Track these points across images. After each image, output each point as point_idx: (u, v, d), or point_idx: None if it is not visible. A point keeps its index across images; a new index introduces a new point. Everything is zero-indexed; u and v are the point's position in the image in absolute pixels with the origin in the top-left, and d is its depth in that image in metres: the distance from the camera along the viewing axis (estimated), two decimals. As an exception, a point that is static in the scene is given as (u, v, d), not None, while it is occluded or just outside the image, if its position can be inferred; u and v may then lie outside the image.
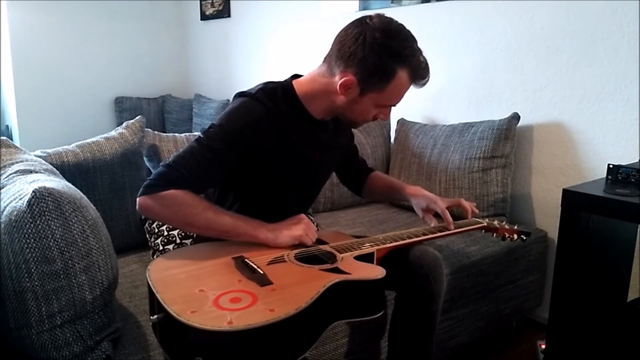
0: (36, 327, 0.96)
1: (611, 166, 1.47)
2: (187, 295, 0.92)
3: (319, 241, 1.19)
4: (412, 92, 1.20)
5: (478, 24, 2.10)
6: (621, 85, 1.72)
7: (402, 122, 2.30)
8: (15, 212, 0.96)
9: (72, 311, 0.98)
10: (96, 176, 1.58)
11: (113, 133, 1.69)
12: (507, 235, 1.40)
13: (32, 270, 0.94)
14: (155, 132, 1.84)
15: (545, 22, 1.89)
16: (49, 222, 0.95)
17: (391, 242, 1.20)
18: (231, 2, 3.50)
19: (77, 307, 0.99)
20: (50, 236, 0.95)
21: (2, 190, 1.08)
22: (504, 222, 1.46)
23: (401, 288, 1.21)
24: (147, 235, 1.67)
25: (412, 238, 1.24)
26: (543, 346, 1.72)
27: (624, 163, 1.51)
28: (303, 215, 1.20)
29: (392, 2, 2.40)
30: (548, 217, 1.98)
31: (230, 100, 3.89)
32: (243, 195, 1.26)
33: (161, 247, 1.59)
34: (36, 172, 1.19)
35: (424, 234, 1.27)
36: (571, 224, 1.37)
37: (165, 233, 1.61)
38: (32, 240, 0.94)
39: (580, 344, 1.49)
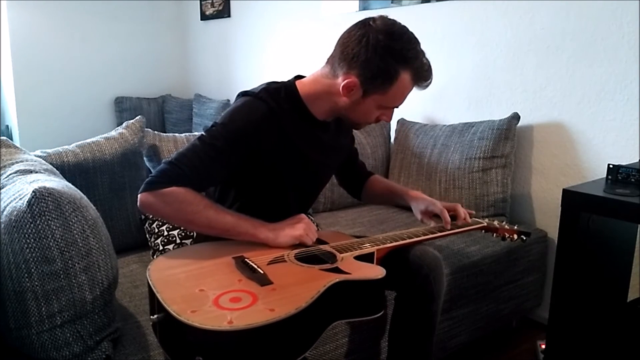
0: (36, 327, 0.96)
1: (611, 166, 1.47)
2: (188, 294, 0.92)
3: (319, 241, 1.19)
4: (412, 92, 1.20)
5: (478, 24, 2.10)
6: (621, 85, 1.72)
7: (402, 122, 2.30)
8: (15, 212, 0.96)
9: (72, 311, 0.98)
10: (96, 176, 1.58)
11: (113, 133, 1.69)
12: (507, 235, 1.40)
13: (32, 270, 0.94)
14: (155, 132, 1.84)
15: (545, 22, 1.89)
16: (49, 222, 0.95)
17: (391, 242, 1.20)
18: (231, 2, 3.50)
19: (77, 307, 0.99)
20: (50, 236, 0.95)
21: (2, 190, 1.08)
22: (504, 222, 1.46)
23: (401, 288, 1.21)
24: (147, 235, 1.67)
25: (412, 238, 1.24)
26: (543, 346, 1.72)
27: (624, 163, 1.51)
28: (303, 215, 1.20)
29: (392, 2, 2.40)
30: (548, 217, 1.98)
31: (230, 100, 3.87)
32: (244, 194, 1.26)
33: (161, 247, 1.59)
34: (36, 172, 1.19)
35: (424, 234, 1.27)
36: (571, 224, 1.37)
37: (165, 233, 1.61)
38: (32, 240, 0.94)
39: (580, 344, 1.50)
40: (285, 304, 0.88)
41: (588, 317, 1.51)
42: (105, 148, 1.61)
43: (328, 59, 1.18)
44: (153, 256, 1.61)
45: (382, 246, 1.18)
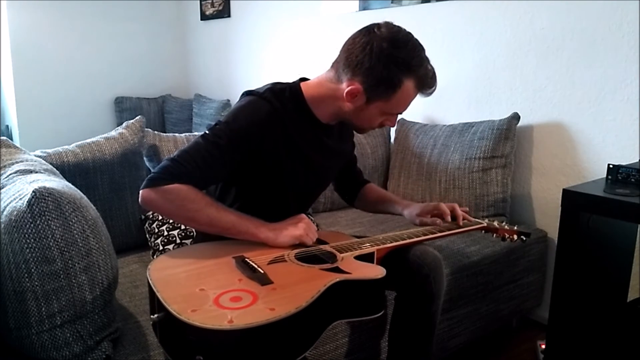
0: (36, 327, 0.96)
1: (611, 166, 1.47)
2: (188, 294, 0.92)
3: (319, 241, 1.19)
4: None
5: (478, 24, 2.10)
6: (621, 85, 1.72)
7: (402, 122, 2.30)
8: (15, 212, 0.96)
9: (72, 311, 0.98)
10: (96, 176, 1.58)
11: (113, 133, 1.69)
12: (507, 235, 1.40)
13: (32, 270, 0.94)
14: (155, 132, 1.84)
15: (545, 22, 1.89)
16: (49, 222, 0.95)
17: (391, 242, 1.20)
18: (231, 2, 3.50)
19: (77, 307, 0.99)
20: (50, 236, 0.95)
21: (2, 190, 1.08)
22: (503, 223, 1.46)
23: (401, 288, 1.21)
24: (147, 235, 1.67)
25: (412, 238, 1.24)
26: (543, 346, 1.72)
27: (624, 163, 1.51)
28: (303, 215, 1.20)
29: (392, 2, 2.40)
30: (548, 217, 1.98)
31: (230, 100, 3.86)
32: (245, 193, 1.26)
33: (161, 247, 1.59)
34: (36, 172, 1.19)
35: (424, 234, 1.27)
36: (571, 223, 1.37)
37: (165, 233, 1.61)
38: (32, 240, 0.94)
39: (580, 344, 1.50)
40: (286, 303, 0.88)
41: (588, 317, 1.51)
42: (105, 148, 1.61)
43: (333, 64, 1.19)
44: (153, 256, 1.61)
45: (382, 246, 1.18)
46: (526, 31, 1.95)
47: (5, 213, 0.98)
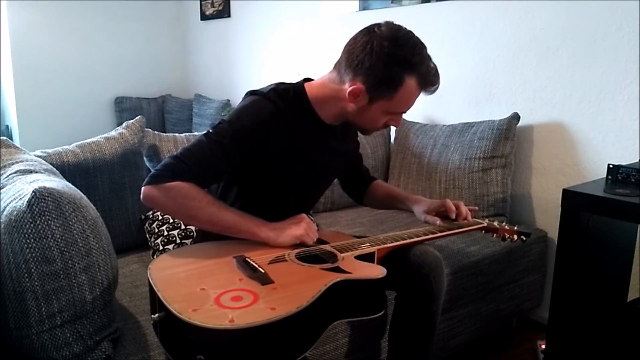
0: (36, 327, 0.96)
1: (611, 166, 1.47)
2: (189, 293, 0.92)
3: (320, 241, 1.19)
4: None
5: (478, 24, 2.10)
6: (621, 86, 1.72)
7: (402, 122, 2.30)
8: (15, 212, 0.95)
9: (72, 311, 0.98)
10: (96, 176, 1.58)
11: (113, 133, 1.68)
12: (507, 235, 1.40)
13: (32, 270, 0.94)
14: (155, 132, 1.84)
15: (545, 22, 1.89)
16: (49, 222, 0.95)
17: (392, 242, 1.20)
18: (231, 2, 3.50)
19: (77, 307, 0.99)
20: (50, 236, 0.95)
21: (2, 190, 1.08)
22: (504, 223, 1.46)
23: (402, 288, 1.21)
24: (147, 235, 1.67)
25: (412, 238, 1.24)
26: (543, 346, 1.72)
27: (624, 163, 1.51)
28: (304, 215, 1.20)
29: (392, 2, 2.41)
30: (548, 217, 1.98)
31: (230, 100, 3.86)
32: (246, 192, 1.26)
33: (161, 247, 1.59)
34: (36, 172, 1.19)
35: (425, 234, 1.27)
36: (571, 224, 1.37)
37: (165, 233, 1.61)
38: (32, 240, 0.94)
39: (580, 344, 1.50)
40: (286, 303, 0.88)
41: (588, 317, 1.51)
42: (105, 148, 1.61)
43: (335, 65, 1.19)
44: (153, 256, 1.61)
45: (382, 246, 1.18)
46: (526, 31, 1.95)
47: (5, 213, 0.98)
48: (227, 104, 3.46)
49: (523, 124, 1.99)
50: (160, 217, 1.66)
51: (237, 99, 3.34)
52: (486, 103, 2.12)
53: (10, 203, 0.99)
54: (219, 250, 1.11)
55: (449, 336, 1.64)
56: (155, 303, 0.94)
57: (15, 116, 3.47)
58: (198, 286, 0.94)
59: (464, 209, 1.35)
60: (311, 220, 1.31)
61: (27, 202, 0.95)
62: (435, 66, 1.15)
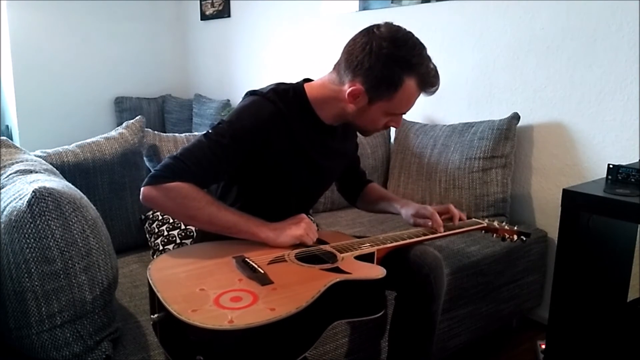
0: (36, 327, 0.96)
1: (611, 166, 1.47)
2: (188, 294, 0.92)
3: (320, 241, 1.19)
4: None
5: (478, 24, 2.10)
6: (621, 86, 1.72)
7: (402, 122, 2.30)
8: (15, 212, 0.95)
9: (72, 311, 0.98)
10: (96, 176, 1.58)
11: (113, 133, 1.68)
12: (507, 235, 1.40)
13: (32, 270, 0.94)
14: (155, 132, 1.84)
15: (545, 22, 1.89)
16: (49, 222, 0.95)
17: (392, 242, 1.20)
18: (231, 2, 3.50)
19: (77, 307, 0.99)
20: (50, 236, 0.95)
21: (2, 190, 1.08)
22: (503, 223, 1.46)
23: (401, 288, 1.21)
24: (147, 235, 1.67)
25: (412, 238, 1.24)
26: (543, 346, 1.72)
27: (624, 163, 1.51)
28: (304, 215, 1.20)
29: (392, 2, 2.41)
30: (548, 217, 1.98)
31: (230, 100, 3.85)
32: (246, 193, 1.26)
33: (161, 247, 1.59)
34: (36, 172, 1.19)
35: (424, 234, 1.27)
36: (571, 224, 1.37)
37: (165, 233, 1.61)
38: (32, 240, 0.94)
39: (580, 344, 1.49)
40: (286, 303, 0.88)
41: (588, 317, 1.51)
42: (105, 148, 1.61)
43: (335, 66, 1.19)
44: (153, 256, 1.61)
45: (382, 246, 1.18)
46: (526, 31, 1.95)
47: (5, 213, 0.98)
48: (227, 104, 3.46)
49: (523, 124, 1.99)
50: (160, 217, 1.66)
51: (237, 99, 3.34)
52: (486, 103, 2.12)
53: (10, 203, 0.99)
54: (218, 251, 1.11)
55: (449, 336, 1.64)
56: (155, 303, 0.95)
57: (15, 116, 3.47)
58: (197, 287, 0.94)
59: (456, 211, 1.35)
60: (311, 220, 1.31)
61: (27, 202, 0.95)
62: (435, 67, 1.15)
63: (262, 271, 1.00)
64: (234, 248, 1.11)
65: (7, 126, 3.62)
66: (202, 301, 0.89)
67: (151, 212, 1.68)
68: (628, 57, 1.69)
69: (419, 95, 1.16)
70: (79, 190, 1.10)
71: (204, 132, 1.16)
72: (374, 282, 1.03)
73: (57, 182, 1.06)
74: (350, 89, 1.13)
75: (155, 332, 1.01)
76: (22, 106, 3.46)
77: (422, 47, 1.13)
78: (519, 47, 1.98)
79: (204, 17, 3.77)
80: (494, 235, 1.43)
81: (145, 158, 1.77)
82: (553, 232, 1.92)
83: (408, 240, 1.23)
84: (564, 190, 1.37)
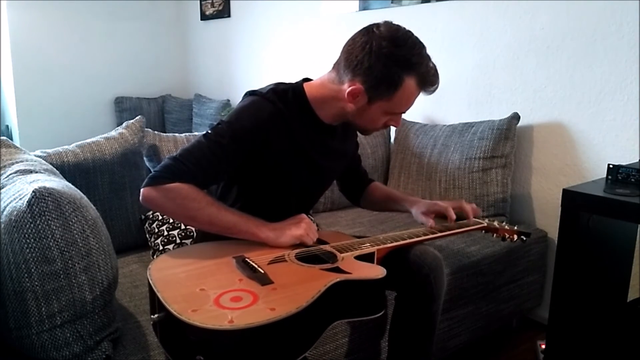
0: (36, 327, 0.96)
1: (611, 166, 1.47)
2: (188, 294, 0.92)
3: (320, 241, 1.19)
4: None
5: (478, 24, 2.10)
6: (621, 86, 1.72)
7: (402, 122, 2.30)
8: (15, 212, 0.95)
9: (72, 311, 0.98)
10: (96, 176, 1.58)
11: (113, 133, 1.68)
12: (507, 235, 1.40)
13: (32, 270, 0.94)
14: (155, 132, 1.84)
15: (545, 22, 1.89)
16: (49, 222, 0.95)
17: (392, 242, 1.20)
18: (231, 2, 3.50)
19: (77, 307, 0.99)
20: (50, 236, 0.95)
21: (2, 190, 1.08)
22: (503, 223, 1.46)
23: (401, 288, 1.21)
24: (147, 235, 1.67)
25: (412, 238, 1.24)
26: (543, 346, 1.72)
27: (624, 163, 1.51)
28: (304, 215, 1.20)
29: (392, 2, 2.41)
30: (548, 217, 1.98)
31: (230, 100, 3.85)
32: (246, 193, 1.26)
33: (161, 247, 1.59)
34: (36, 172, 1.19)
35: (425, 234, 1.27)
36: (571, 224, 1.37)
37: (165, 233, 1.61)
38: (32, 240, 0.94)
39: (580, 344, 1.49)
40: (286, 303, 0.88)
41: (588, 317, 1.51)
42: (105, 148, 1.61)
43: (334, 65, 1.19)
44: (153, 256, 1.61)
45: (382, 246, 1.18)
46: (526, 31, 1.95)
47: (5, 213, 0.98)
48: (227, 104, 3.46)
49: (523, 124, 1.99)
50: (160, 217, 1.66)
51: (237, 99, 3.33)
52: (486, 103, 2.12)
53: (10, 203, 0.99)
54: (218, 251, 1.11)
55: (449, 336, 1.64)
56: (155, 303, 0.95)
57: (15, 116, 3.47)
58: (198, 287, 0.94)
59: (468, 207, 1.36)
60: (311, 220, 1.31)
61: (27, 202, 0.95)
62: (434, 66, 1.15)
63: (262, 271, 1.00)
64: (234, 248, 1.11)
65: (7, 126, 3.62)
66: (202, 301, 0.89)
67: (151, 212, 1.68)
68: (628, 57, 1.69)
69: (418, 94, 1.16)
70: (79, 190, 1.10)
71: (204, 132, 1.16)
72: (374, 282, 1.03)
73: (57, 182, 1.06)
74: (350, 88, 1.13)
75: (156, 332, 1.00)
76: (22, 106, 3.46)
77: (421, 46, 1.13)
78: (519, 47, 1.98)
79: (204, 17, 3.77)
80: (494, 235, 1.43)
81: (145, 158, 1.77)
82: (553, 232, 1.92)
83: (408, 240, 1.23)
84: (564, 190, 1.37)
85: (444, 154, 2.05)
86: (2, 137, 1.37)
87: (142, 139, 1.73)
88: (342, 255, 1.12)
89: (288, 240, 1.14)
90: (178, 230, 1.61)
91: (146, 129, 1.77)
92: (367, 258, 1.14)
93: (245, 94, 1.23)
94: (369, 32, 1.12)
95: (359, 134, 1.37)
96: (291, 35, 3.05)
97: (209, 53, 3.85)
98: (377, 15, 2.45)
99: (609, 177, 1.47)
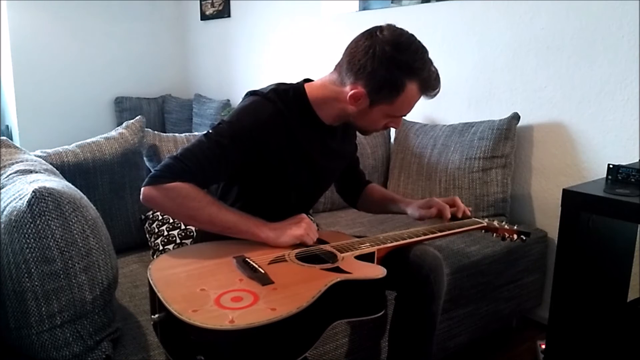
0: (36, 327, 0.96)
1: (611, 166, 1.47)
2: (189, 294, 0.92)
3: (320, 241, 1.19)
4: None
5: (478, 24, 2.10)
6: (621, 85, 1.72)
7: (402, 122, 2.30)
8: (15, 212, 0.95)
9: (72, 311, 0.98)
10: (96, 176, 1.58)
11: (113, 133, 1.68)
12: (507, 235, 1.40)
13: (32, 270, 0.94)
14: (155, 132, 1.84)
15: (545, 22, 1.89)
16: (49, 222, 0.95)
17: (392, 242, 1.20)
18: (231, 2, 3.50)
19: (77, 307, 0.99)
20: (50, 236, 0.95)
21: (2, 190, 1.08)
22: (503, 222, 1.46)
23: (402, 288, 1.21)
24: (147, 235, 1.67)
25: (412, 238, 1.24)
26: (543, 346, 1.72)
27: (624, 163, 1.51)
28: (304, 215, 1.20)
29: (392, 2, 2.40)
30: (548, 217, 1.98)
31: (230, 100, 3.85)
32: (246, 193, 1.26)
33: (161, 247, 1.59)
34: (36, 172, 1.19)
35: (424, 234, 1.27)
36: (571, 224, 1.37)
37: (165, 233, 1.61)
38: (32, 240, 0.94)
39: (580, 344, 1.50)
40: (287, 303, 0.88)
41: (588, 317, 1.51)
42: (105, 148, 1.61)
43: (336, 66, 1.19)
44: (153, 256, 1.61)
45: (382, 246, 1.18)
46: (526, 31, 1.95)
47: (5, 213, 0.98)
48: (227, 104, 3.46)
49: (523, 124, 1.99)
50: (160, 217, 1.66)
51: (237, 99, 3.34)
52: (486, 103, 2.12)
53: (10, 203, 0.99)
54: (219, 251, 1.11)
55: (448, 336, 1.64)
56: (155, 303, 0.95)
57: (15, 116, 3.47)
58: (198, 287, 0.94)
59: (461, 204, 1.35)
60: (311, 220, 1.31)
61: (27, 202, 0.95)
62: (436, 70, 1.15)
63: (263, 271, 1.00)
64: (234, 248, 1.11)
65: (7, 126, 3.62)
66: (203, 301, 0.89)
67: (151, 212, 1.68)
68: (628, 57, 1.69)
69: (419, 98, 1.17)
70: (79, 190, 1.10)
71: (204, 132, 1.16)
72: (374, 281, 1.03)
73: (57, 182, 1.06)
74: (352, 91, 1.13)
75: (156, 332, 1.00)
76: (22, 106, 3.46)
77: (424, 51, 1.13)
78: (519, 47, 1.98)
79: (204, 17, 3.77)
80: (494, 234, 1.42)
81: (145, 158, 1.77)
82: (553, 232, 1.92)
83: (408, 240, 1.23)
84: (564, 190, 1.37)
85: (444, 154, 2.05)
86: (2, 137, 1.37)
87: (142, 139, 1.73)
88: (342, 255, 1.12)
89: (288, 240, 1.14)
90: (178, 230, 1.61)
91: (146, 129, 1.77)
92: (367, 258, 1.14)
93: (246, 94, 1.23)
94: (372, 35, 1.11)
95: (358, 134, 1.37)
96: (291, 36, 3.05)
97: (209, 53, 3.85)
98: (377, 15, 2.45)
99: (609, 177, 1.47)
